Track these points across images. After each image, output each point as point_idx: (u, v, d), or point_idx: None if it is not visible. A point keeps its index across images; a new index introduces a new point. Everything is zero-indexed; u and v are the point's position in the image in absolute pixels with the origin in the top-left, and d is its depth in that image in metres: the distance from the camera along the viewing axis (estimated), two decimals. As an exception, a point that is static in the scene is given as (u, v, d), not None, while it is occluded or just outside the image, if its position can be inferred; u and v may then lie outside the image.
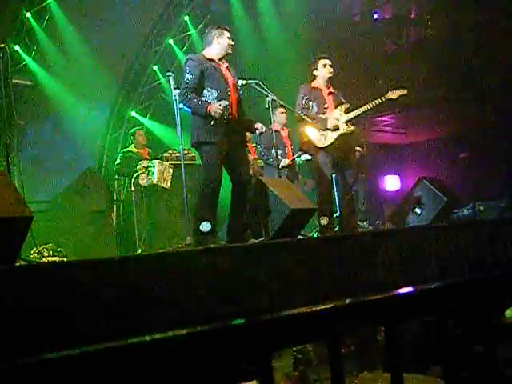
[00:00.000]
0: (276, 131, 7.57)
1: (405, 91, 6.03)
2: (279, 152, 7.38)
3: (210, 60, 4.95)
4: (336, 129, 6.01)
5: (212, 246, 4.48)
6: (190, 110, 4.90)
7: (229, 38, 5.05)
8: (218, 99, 4.81)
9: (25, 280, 2.58)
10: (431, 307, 1.39)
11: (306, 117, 5.95)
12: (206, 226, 4.75)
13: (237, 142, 5.00)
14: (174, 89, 5.07)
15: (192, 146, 5.06)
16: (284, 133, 7.73)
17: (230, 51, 5.05)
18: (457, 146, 12.12)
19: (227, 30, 5.09)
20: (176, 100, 5.01)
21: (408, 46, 9.93)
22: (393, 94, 6.03)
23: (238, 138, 5.04)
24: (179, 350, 1.08)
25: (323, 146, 5.97)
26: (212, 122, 4.75)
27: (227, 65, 5.09)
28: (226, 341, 1.12)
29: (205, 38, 5.17)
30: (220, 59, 5.02)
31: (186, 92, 4.84)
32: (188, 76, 4.87)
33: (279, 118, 7.60)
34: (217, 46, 5.03)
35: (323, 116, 6.02)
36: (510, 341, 2.10)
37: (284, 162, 7.42)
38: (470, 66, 9.01)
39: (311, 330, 1.19)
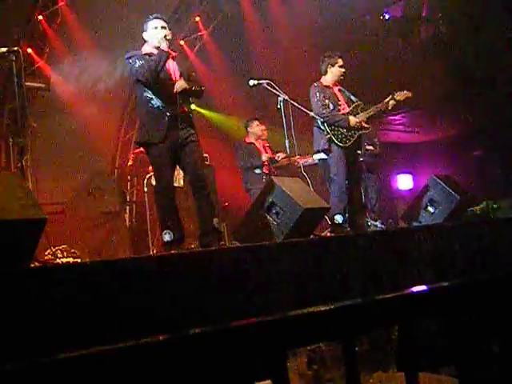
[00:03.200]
0: (250, 143, 7.45)
1: (409, 93, 6.04)
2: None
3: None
4: (357, 128, 5.98)
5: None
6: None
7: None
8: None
9: (39, 281, 2.60)
10: (446, 305, 1.39)
11: (332, 116, 5.89)
12: (167, 236, 4.62)
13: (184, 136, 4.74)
14: None
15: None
16: (259, 145, 7.46)
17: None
18: (470, 145, 12.06)
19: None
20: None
21: (420, 45, 9.88)
22: (399, 96, 6.04)
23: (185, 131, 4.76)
24: (193, 350, 1.08)
25: (345, 146, 5.92)
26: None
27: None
28: (240, 340, 1.12)
29: None
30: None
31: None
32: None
33: (255, 130, 7.45)
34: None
35: (344, 116, 5.97)
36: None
37: (265, 157, 7.27)
38: (483, 63, 8.95)
39: (326, 329, 1.19)
